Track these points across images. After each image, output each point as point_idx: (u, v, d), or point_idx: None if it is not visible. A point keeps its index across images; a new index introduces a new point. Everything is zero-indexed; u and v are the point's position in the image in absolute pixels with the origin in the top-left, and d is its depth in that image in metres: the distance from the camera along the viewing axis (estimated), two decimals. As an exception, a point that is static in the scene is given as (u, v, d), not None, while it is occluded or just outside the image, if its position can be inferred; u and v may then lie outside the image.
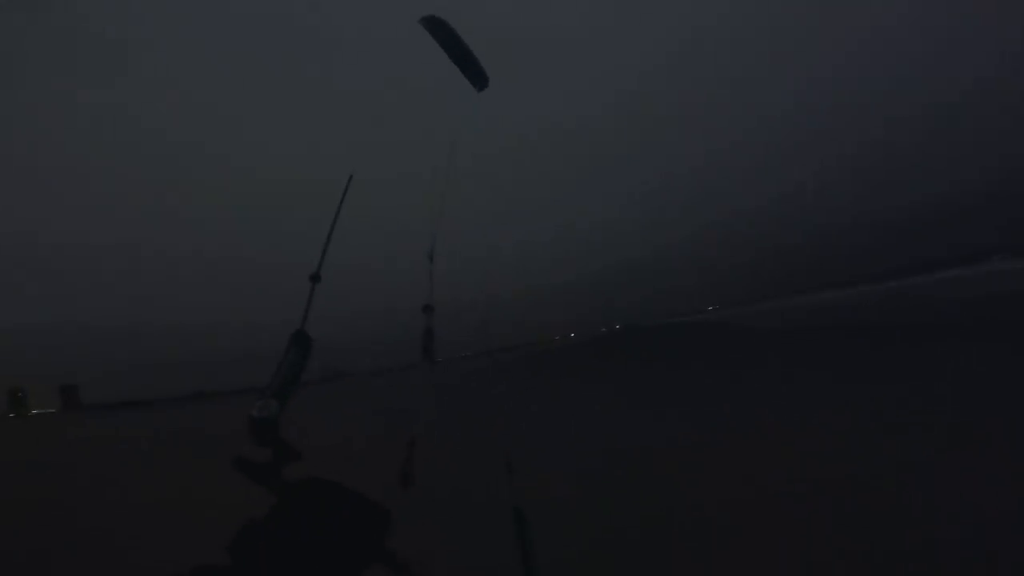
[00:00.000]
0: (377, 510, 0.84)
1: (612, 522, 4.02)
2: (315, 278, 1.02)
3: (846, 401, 7.09)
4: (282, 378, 0.91)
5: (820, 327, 23.32)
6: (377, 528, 0.83)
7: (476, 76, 1.62)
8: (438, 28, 1.56)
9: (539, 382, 20.62)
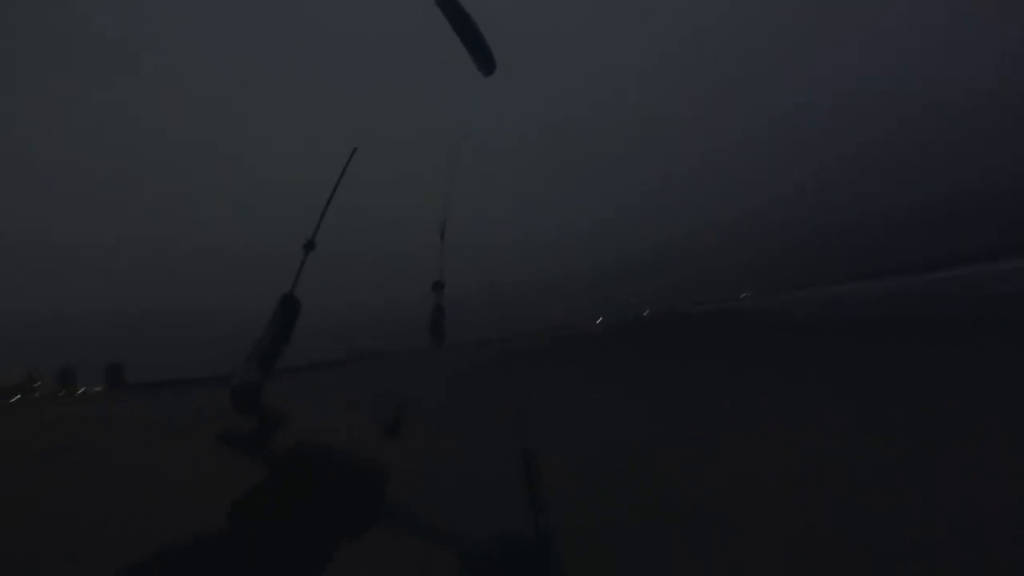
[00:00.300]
0: (369, 473, 0.78)
1: (611, 514, 3.99)
2: (309, 246, 0.98)
3: (847, 398, 6.90)
4: (266, 344, 0.84)
5: (823, 321, 22.73)
6: (371, 489, 0.77)
7: (484, 60, 1.58)
8: (450, 7, 1.53)
9: (539, 369, 20.45)
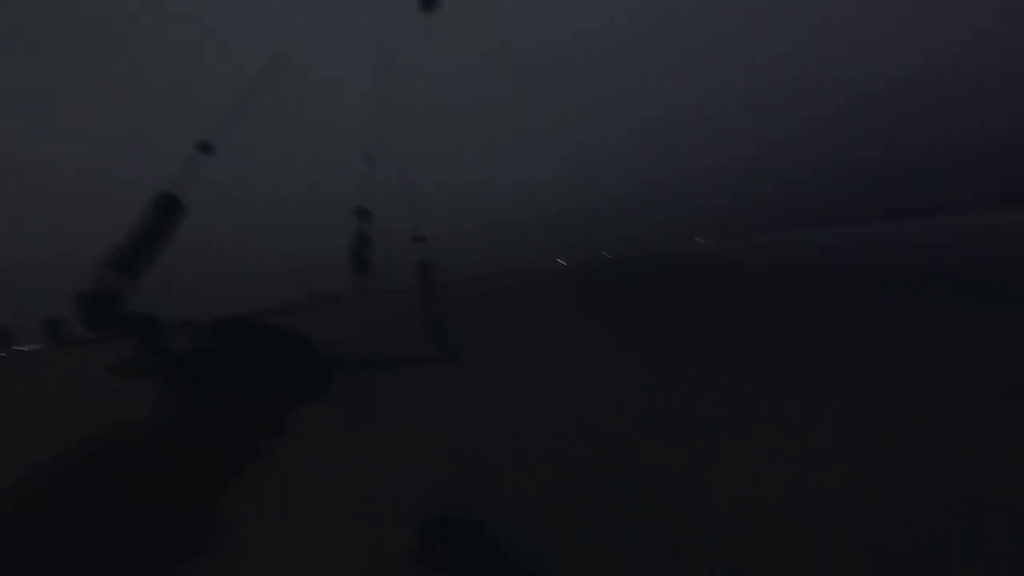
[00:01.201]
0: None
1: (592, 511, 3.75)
2: (204, 147, 0.80)
3: (842, 366, 6.39)
4: (132, 247, 0.68)
5: (810, 268, 21.62)
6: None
7: None
8: None
9: (493, 317, 19.32)
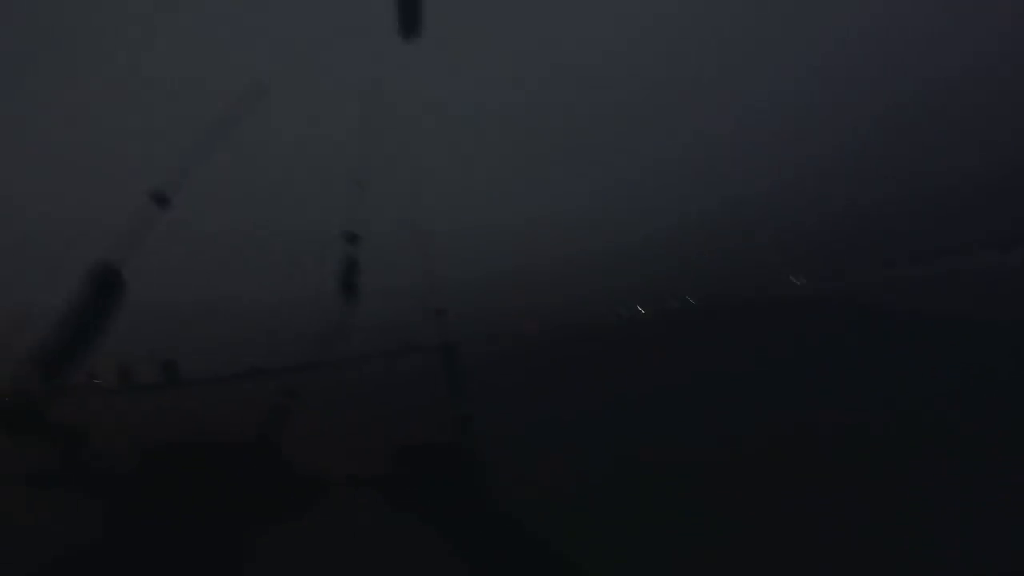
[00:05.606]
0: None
1: (611, 518, 3.89)
2: (160, 199, 0.79)
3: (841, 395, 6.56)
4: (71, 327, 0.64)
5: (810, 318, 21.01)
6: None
7: (410, 21, 1.38)
8: None
9: (515, 376, 19.13)
